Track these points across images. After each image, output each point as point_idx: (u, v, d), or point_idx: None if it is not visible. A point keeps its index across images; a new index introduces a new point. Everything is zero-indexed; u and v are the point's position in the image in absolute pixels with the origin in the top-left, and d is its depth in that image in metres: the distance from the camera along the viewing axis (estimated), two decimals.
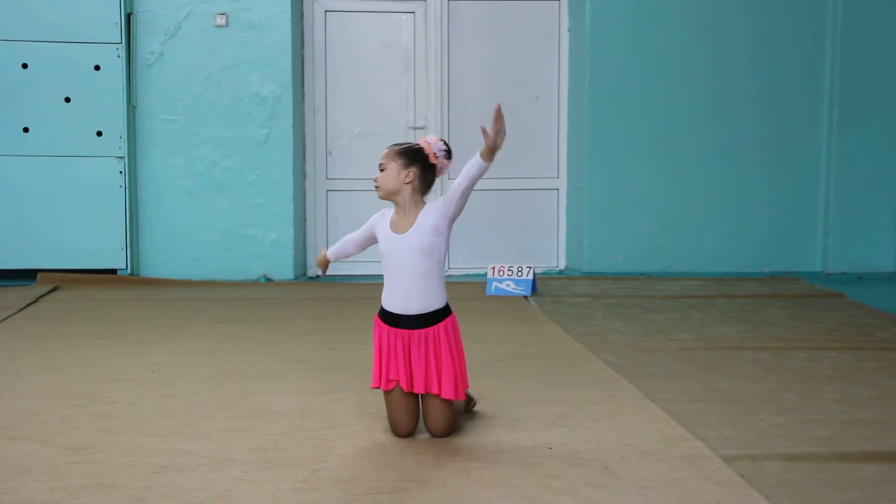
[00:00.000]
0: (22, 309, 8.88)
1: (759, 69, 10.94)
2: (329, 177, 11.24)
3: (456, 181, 5.24)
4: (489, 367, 6.88)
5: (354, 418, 5.62)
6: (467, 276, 11.09)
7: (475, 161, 5.21)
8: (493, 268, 10.05)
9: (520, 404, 5.95)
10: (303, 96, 11.06)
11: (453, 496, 4.48)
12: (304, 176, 11.14)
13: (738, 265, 10.95)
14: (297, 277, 10.87)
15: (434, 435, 5.24)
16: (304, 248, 11.14)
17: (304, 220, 11.14)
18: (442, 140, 5.39)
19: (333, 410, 5.80)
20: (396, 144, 5.34)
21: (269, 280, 10.70)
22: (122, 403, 5.93)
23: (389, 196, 5.29)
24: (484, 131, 5.25)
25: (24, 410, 5.71)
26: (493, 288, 9.92)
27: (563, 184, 11.40)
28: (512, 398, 6.09)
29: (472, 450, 5.11)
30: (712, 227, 11.00)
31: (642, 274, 10.81)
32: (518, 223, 11.41)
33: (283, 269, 10.76)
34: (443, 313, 5.24)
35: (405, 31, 11.18)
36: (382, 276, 5.22)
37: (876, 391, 6.25)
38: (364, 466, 4.88)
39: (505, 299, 9.69)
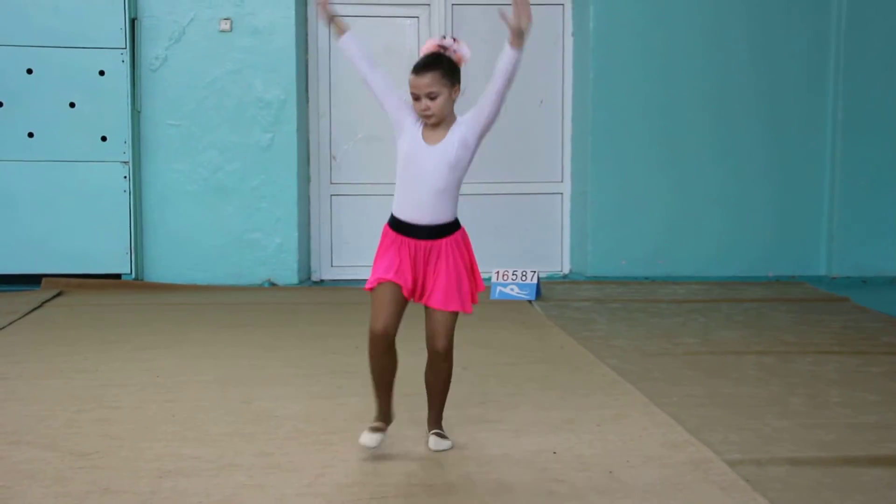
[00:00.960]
0: (26, 314, 8.89)
1: (762, 72, 10.95)
2: (333, 181, 11.25)
3: (490, 85, 5.15)
4: (493, 371, 6.92)
5: (359, 423, 5.55)
6: None
7: (504, 54, 5.11)
8: (497, 272, 10.05)
9: (524, 409, 5.97)
10: (307, 101, 11.07)
11: (458, 501, 4.52)
12: (309, 180, 11.16)
13: (742, 269, 10.95)
14: (301, 282, 10.86)
15: (435, 349, 5.26)
16: (308, 254, 11.16)
17: (309, 224, 11.15)
18: (450, 37, 5.28)
19: (337, 415, 5.83)
20: (431, 65, 5.07)
21: (273, 285, 10.69)
22: (127, 408, 5.95)
23: (443, 120, 5.13)
24: (504, 16, 5.12)
25: (28, 415, 5.73)
26: (497, 292, 9.93)
27: (566, 188, 11.42)
28: (516, 403, 6.12)
29: (476, 455, 5.12)
30: (716, 231, 11.01)
31: (646, 278, 10.83)
32: (522, 227, 11.42)
33: (288, 273, 10.75)
34: (453, 226, 5.18)
35: (409, 36, 11.20)
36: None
37: (881, 395, 6.27)
38: (368, 471, 4.90)
39: (509, 304, 9.68)
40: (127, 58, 10.28)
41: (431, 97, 5.01)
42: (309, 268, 11.18)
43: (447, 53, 5.09)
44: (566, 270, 11.47)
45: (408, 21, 11.19)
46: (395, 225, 5.14)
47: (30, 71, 10.11)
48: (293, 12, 10.61)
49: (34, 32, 10.09)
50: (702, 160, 10.93)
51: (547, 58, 11.30)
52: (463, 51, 5.15)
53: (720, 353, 7.46)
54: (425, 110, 5.04)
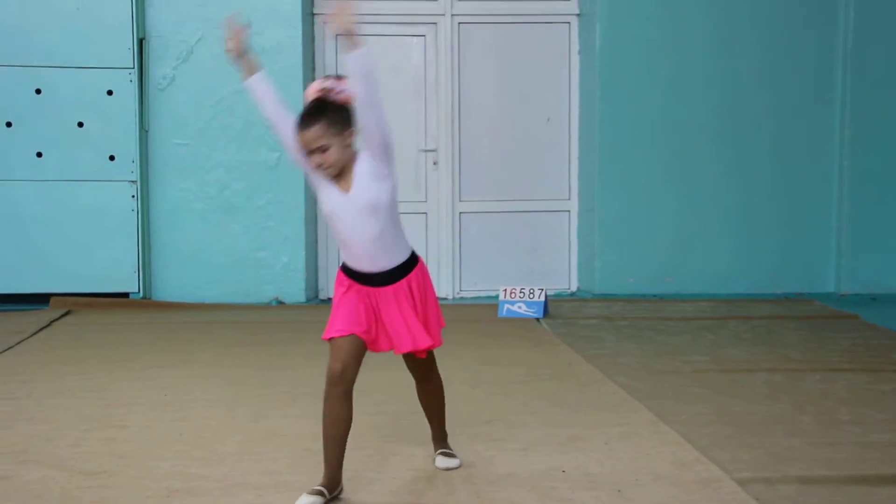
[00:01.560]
0: (35, 333, 8.92)
1: (770, 89, 10.97)
2: None
3: (357, 100, 4.69)
4: (501, 389, 6.94)
5: (367, 442, 5.62)
6: (479, 297, 11.13)
7: (350, 60, 4.66)
8: (505, 290, 10.05)
9: (532, 427, 5.98)
10: None
11: None
12: (316, 200, 11.04)
13: (751, 286, 10.95)
14: (308, 300, 10.88)
15: (418, 380, 5.18)
16: (316, 272, 11.18)
17: (316, 243, 11.16)
18: (332, 77, 4.86)
19: (352, 432, 5.81)
20: (314, 116, 4.62)
21: (280, 303, 10.72)
22: (135, 428, 5.98)
23: (344, 166, 4.69)
24: (327, 21, 4.77)
25: (36, 435, 5.75)
26: (504, 310, 9.92)
27: (574, 205, 11.41)
28: (524, 420, 6.13)
29: (485, 473, 5.13)
30: (724, 249, 11.01)
31: (654, 296, 10.83)
32: (529, 245, 11.41)
33: (295, 292, 10.77)
34: (406, 266, 4.85)
35: (416, 55, 11.21)
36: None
37: (891, 413, 6.26)
38: (376, 490, 4.92)
39: (517, 321, 9.69)
40: (135, 77, 10.31)
41: (322, 150, 4.61)
42: (317, 286, 11.19)
43: (332, 96, 4.71)
44: (574, 288, 11.48)
45: (414, 40, 11.20)
46: (347, 271, 4.87)
47: (38, 91, 10.12)
48: (300, 32, 10.63)
49: (42, 53, 10.13)
50: (709, 177, 10.94)
51: (553, 75, 11.34)
52: (349, 89, 4.71)
53: (729, 371, 7.47)
54: (319, 165, 4.64)
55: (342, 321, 4.75)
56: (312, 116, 4.59)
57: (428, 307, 4.90)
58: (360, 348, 4.80)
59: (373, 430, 5.86)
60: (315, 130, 4.56)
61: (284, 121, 4.74)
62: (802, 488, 4.86)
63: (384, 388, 6.69)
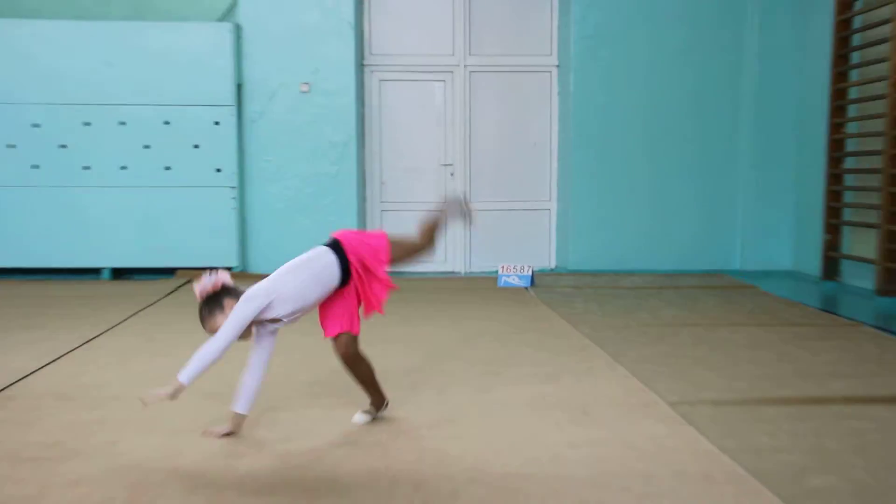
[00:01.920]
0: (166, 295, 9.06)
1: (693, 120, 10.84)
2: (382, 200, 11.23)
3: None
4: (499, 338, 6.99)
5: (405, 375, 5.77)
6: (484, 272, 11.04)
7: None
8: (503, 266, 10.11)
9: (521, 366, 6.09)
10: (363, 142, 11.03)
11: (472, 427, 4.69)
12: (365, 200, 11.14)
13: (679, 264, 10.86)
14: None
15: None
16: None
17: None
18: (206, 275, 4.41)
19: (392, 369, 5.87)
20: (201, 320, 4.36)
21: None
22: (238, 362, 6.02)
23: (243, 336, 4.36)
24: None
25: (172, 360, 5.81)
26: (502, 281, 9.98)
27: (553, 206, 11.35)
28: (515, 361, 6.23)
29: (487, 399, 5.28)
30: (660, 237, 10.93)
31: (611, 271, 10.71)
32: (521, 234, 11.36)
33: None
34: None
35: (438, 95, 11.15)
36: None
37: (778, 355, 6.38)
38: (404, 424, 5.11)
39: (511, 289, 9.74)
40: (235, 112, 10.30)
41: (215, 331, 4.23)
42: None
43: (210, 291, 4.35)
44: (553, 265, 11.35)
45: (437, 84, 11.12)
46: None
47: (167, 122, 10.15)
48: (353, 79, 10.58)
49: (170, 95, 10.11)
50: (650, 187, 10.85)
51: (539, 111, 11.24)
52: (218, 279, 4.38)
53: (664, 326, 7.51)
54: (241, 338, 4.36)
55: None
56: (201, 320, 4.34)
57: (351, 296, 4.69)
58: None
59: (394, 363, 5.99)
60: (207, 326, 4.32)
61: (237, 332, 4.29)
62: (715, 408, 5.00)
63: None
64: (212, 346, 4.19)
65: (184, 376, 4.13)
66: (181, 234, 10.32)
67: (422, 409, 5.05)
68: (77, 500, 3.72)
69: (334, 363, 6.08)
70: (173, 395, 4.13)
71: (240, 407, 4.50)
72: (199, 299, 4.35)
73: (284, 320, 4.47)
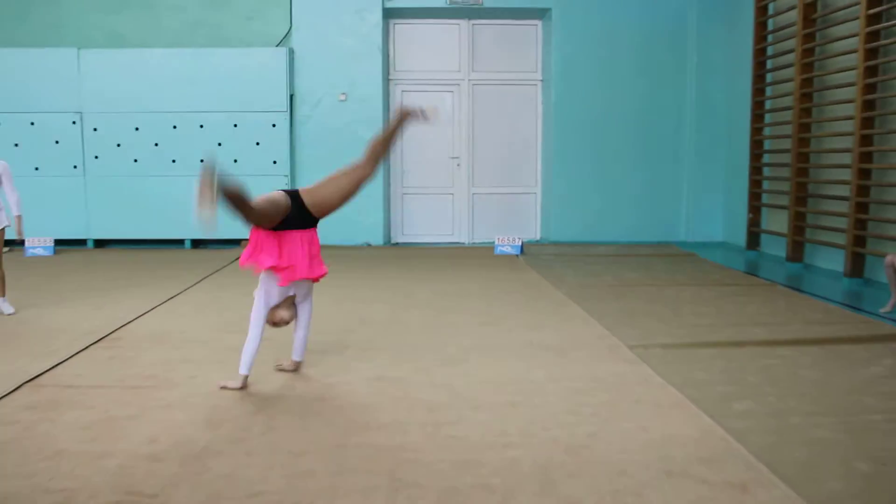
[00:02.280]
0: (232, 261, 9.02)
1: (646, 122, 10.80)
2: (404, 185, 11.22)
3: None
4: (494, 296, 6.99)
5: (420, 324, 5.83)
6: (484, 242, 11.02)
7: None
8: (499, 238, 10.09)
9: (512, 317, 6.11)
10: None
11: (473, 366, 4.71)
12: (389, 186, 11.12)
13: (637, 237, 10.79)
14: (385, 243, 10.87)
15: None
16: (390, 226, 11.12)
17: (390, 210, 11.13)
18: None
19: (409, 319, 5.98)
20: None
21: (369, 245, 10.70)
22: None
23: None
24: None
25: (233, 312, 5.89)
26: (498, 250, 9.95)
27: (539, 190, 11.31)
28: (507, 313, 6.25)
29: (486, 344, 5.30)
30: (622, 213, 10.88)
31: (583, 241, 10.65)
32: (513, 212, 11.34)
33: (377, 238, 10.76)
34: None
35: (448, 101, 11.13)
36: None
37: (713, 308, 6.40)
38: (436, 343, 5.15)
39: (505, 257, 9.70)
40: (287, 116, 10.30)
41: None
42: (390, 235, 11.16)
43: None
44: (538, 237, 11.32)
45: (446, 94, 11.11)
46: None
47: (235, 125, 10.18)
48: (381, 90, 10.59)
49: (238, 103, 10.12)
50: (615, 173, 10.80)
51: (527, 116, 11.20)
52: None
53: (625, 286, 7.49)
54: None
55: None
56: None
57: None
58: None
59: (427, 302, 6.07)
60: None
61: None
62: (664, 350, 5.04)
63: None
64: (249, 340, 4.16)
65: (242, 369, 4.17)
66: None
67: (433, 352, 5.06)
68: (167, 419, 3.80)
69: (366, 313, 6.21)
70: (242, 386, 4.17)
71: (295, 356, 4.51)
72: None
73: (292, 290, 4.33)
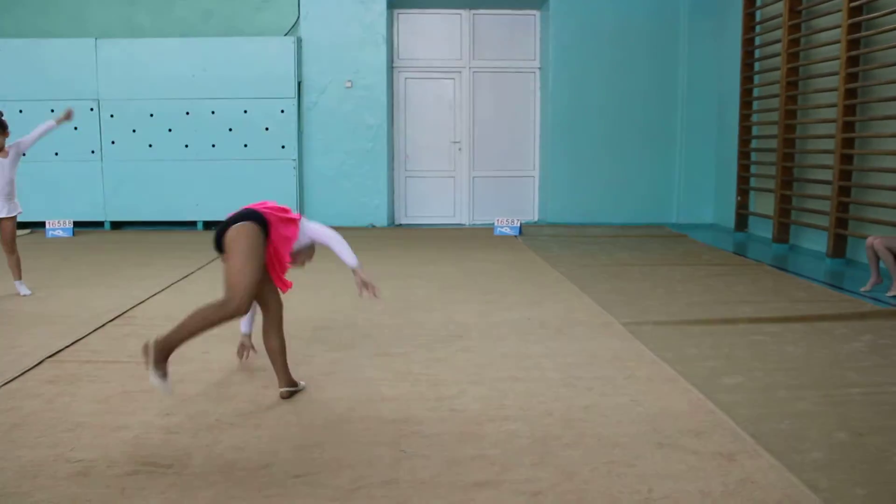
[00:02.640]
0: None
1: (639, 109, 10.80)
2: (407, 169, 11.21)
3: (324, 233, 3.87)
4: (494, 275, 6.99)
5: (423, 302, 5.82)
6: (484, 224, 11.02)
7: (345, 258, 3.83)
8: (498, 219, 10.06)
9: (511, 295, 6.11)
10: (392, 125, 10.99)
11: (475, 341, 4.72)
12: (393, 169, 11.12)
13: (631, 219, 10.84)
14: (389, 224, 10.88)
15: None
16: (394, 208, 11.12)
17: (393, 193, 11.14)
18: None
19: (412, 297, 5.99)
20: None
21: (373, 226, 10.69)
22: (295, 292, 6.01)
23: None
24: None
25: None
26: (497, 231, 9.93)
27: (537, 174, 11.33)
28: (506, 291, 6.25)
29: (486, 321, 5.29)
30: (616, 198, 10.89)
31: (579, 223, 10.68)
32: (512, 195, 11.34)
33: (381, 219, 10.76)
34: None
35: (449, 89, 11.13)
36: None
37: (702, 287, 6.40)
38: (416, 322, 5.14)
39: (504, 237, 9.68)
40: (295, 103, 10.28)
41: None
42: (394, 216, 11.16)
43: None
44: (536, 219, 11.34)
45: (448, 81, 11.11)
46: None
47: (245, 111, 10.15)
48: (385, 77, 10.55)
49: (249, 90, 10.09)
50: (609, 158, 10.80)
51: (525, 102, 11.20)
52: None
53: (620, 265, 7.49)
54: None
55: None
56: None
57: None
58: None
59: (431, 282, 6.07)
60: None
61: None
62: (656, 327, 5.05)
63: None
64: (336, 238, 3.85)
65: (354, 262, 3.81)
66: (255, 195, 9.49)
67: (436, 329, 5.07)
68: (181, 392, 3.79)
69: (366, 294, 6.18)
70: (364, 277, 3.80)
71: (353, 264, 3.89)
72: None
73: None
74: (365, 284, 3.79)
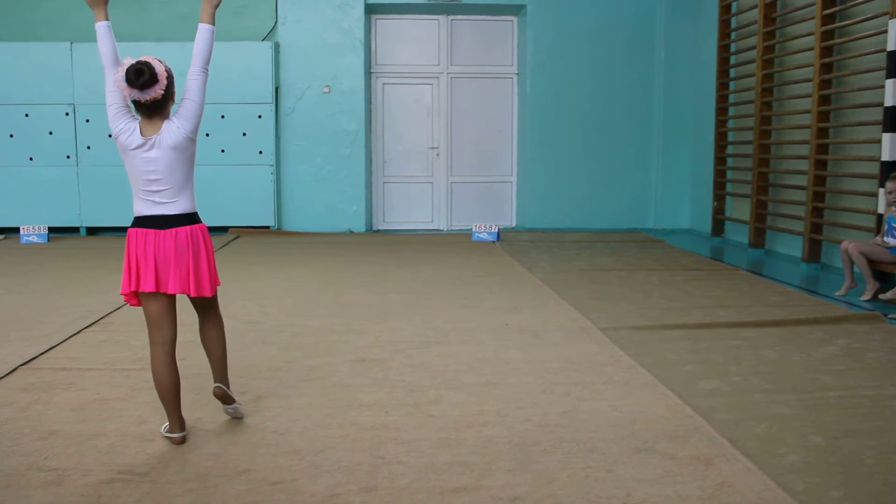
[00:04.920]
0: (222, 247, 9.01)
1: (617, 115, 10.83)
2: (385, 174, 11.17)
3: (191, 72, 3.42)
4: (472, 281, 6.99)
5: (400, 308, 5.80)
6: (462, 229, 10.98)
7: (199, 31, 3.40)
8: (476, 225, 10.03)
9: (489, 300, 6.10)
10: (370, 130, 10.96)
11: (453, 347, 4.71)
12: (371, 174, 11.06)
13: (608, 224, 10.88)
14: (367, 230, 10.83)
15: (214, 337, 3.53)
16: (372, 214, 11.06)
17: (372, 198, 11.08)
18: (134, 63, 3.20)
19: (387, 302, 5.97)
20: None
21: (351, 232, 10.65)
22: (273, 298, 6.07)
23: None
24: None
25: (232, 293, 5.88)
26: (475, 236, 9.89)
27: (514, 179, 11.33)
28: (484, 297, 6.24)
29: (463, 325, 5.28)
30: (594, 203, 10.90)
31: (557, 229, 10.73)
32: (490, 200, 11.33)
33: (359, 225, 10.71)
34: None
35: (427, 94, 11.12)
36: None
37: (679, 292, 6.44)
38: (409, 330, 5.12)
39: (482, 243, 9.64)
40: (273, 108, 10.21)
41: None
42: (372, 222, 11.10)
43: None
44: (514, 224, 11.33)
45: (425, 87, 11.10)
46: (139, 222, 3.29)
47: (223, 116, 10.04)
48: (363, 82, 10.53)
49: (226, 95, 9.92)
50: (586, 163, 10.82)
51: (503, 106, 11.20)
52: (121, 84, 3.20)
53: (597, 270, 7.51)
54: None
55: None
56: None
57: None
58: (172, 305, 3.39)
59: (405, 298, 6.06)
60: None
61: (112, 71, 3.27)
62: (633, 331, 5.07)
63: None
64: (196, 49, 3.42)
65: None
66: (233, 200, 10.17)
67: (414, 333, 5.06)
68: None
69: (348, 297, 6.20)
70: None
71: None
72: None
73: None
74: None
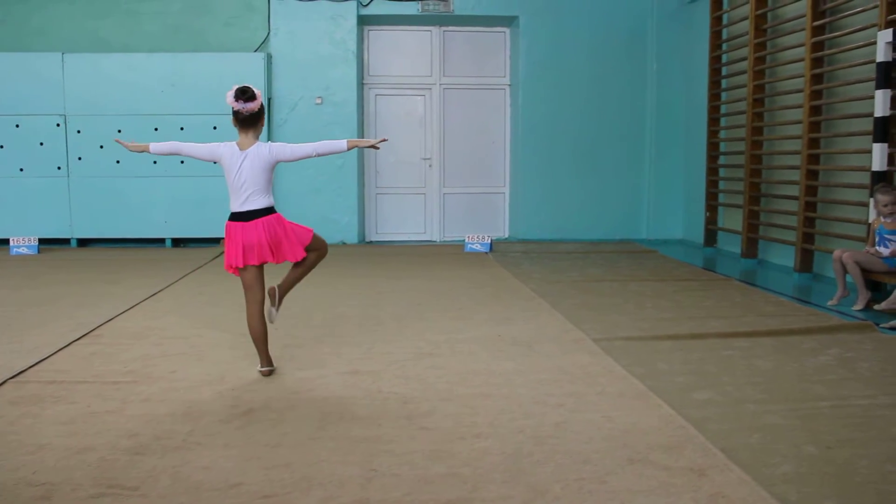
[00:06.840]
0: (212, 259, 8.99)
1: (609, 127, 10.86)
2: (377, 186, 11.18)
3: (297, 148, 4.22)
4: (464, 292, 6.97)
5: (393, 319, 5.80)
6: (454, 240, 10.99)
7: (336, 143, 4.23)
8: (469, 236, 10.02)
9: (481, 312, 6.08)
10: None
11: (445, 359, 4.68)
12: (364, 186, 11.08)
13: (601, 235, 10.90)
14: (359, 242, 10.83)
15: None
16: (364, 226, 11.06)
17: (364, 210, 11.08)
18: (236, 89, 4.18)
19: (383, 314, 6.00)
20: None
21: (344, 243, 10.66)
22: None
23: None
24: (374, 146, 4.35)
25: (216, 305, 5.86)
26: (468, 247, 9.88)
27: (507, 190, 11.32)
28: (477, 308, 6.23)
29: (456, 336, 5.28)
30: (587, 214, 10.92)
31: (550, 239, 10.74)
32: (483, 211, 11.34)
33: (352, 237, 10.73)
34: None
35: (420, 106, 11.14)
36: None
37: (672, 302, 6.43)
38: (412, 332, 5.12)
39: (475, 254, 9.63)
40: (266, 120, 10.19)
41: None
42: (364, 233, 11.10)
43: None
44: (507, 235, 11.33)
45: (418, 98, 11.12)
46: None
47: (215, 127, 9.87)
48: (355, 94, 10.54)
49: (218, 106, 9.37)
50: (579, 175, 10.84)
51: (496, 118, 11.20)
52: (233, 103, 4.24)
53: (590, 281, 7.50)
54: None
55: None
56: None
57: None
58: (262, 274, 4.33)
59: (398, 302, 6.04)
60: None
61: (198, 148, 4.30)
62: (626, 342, 5.06)
63: None
64: (311, 145, 4.31)
65: (344, 143, 4.34)
66: (225, 212, 9.72)
67: (407, 345, 5.05)
68: (148, 413, 3.74)
69: (341, 309, 6.19)
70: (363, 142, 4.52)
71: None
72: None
73: None
74: (372, 144, 4.37)
